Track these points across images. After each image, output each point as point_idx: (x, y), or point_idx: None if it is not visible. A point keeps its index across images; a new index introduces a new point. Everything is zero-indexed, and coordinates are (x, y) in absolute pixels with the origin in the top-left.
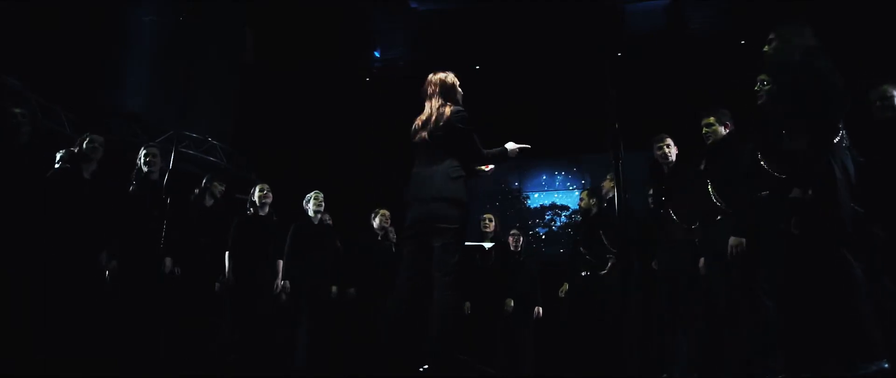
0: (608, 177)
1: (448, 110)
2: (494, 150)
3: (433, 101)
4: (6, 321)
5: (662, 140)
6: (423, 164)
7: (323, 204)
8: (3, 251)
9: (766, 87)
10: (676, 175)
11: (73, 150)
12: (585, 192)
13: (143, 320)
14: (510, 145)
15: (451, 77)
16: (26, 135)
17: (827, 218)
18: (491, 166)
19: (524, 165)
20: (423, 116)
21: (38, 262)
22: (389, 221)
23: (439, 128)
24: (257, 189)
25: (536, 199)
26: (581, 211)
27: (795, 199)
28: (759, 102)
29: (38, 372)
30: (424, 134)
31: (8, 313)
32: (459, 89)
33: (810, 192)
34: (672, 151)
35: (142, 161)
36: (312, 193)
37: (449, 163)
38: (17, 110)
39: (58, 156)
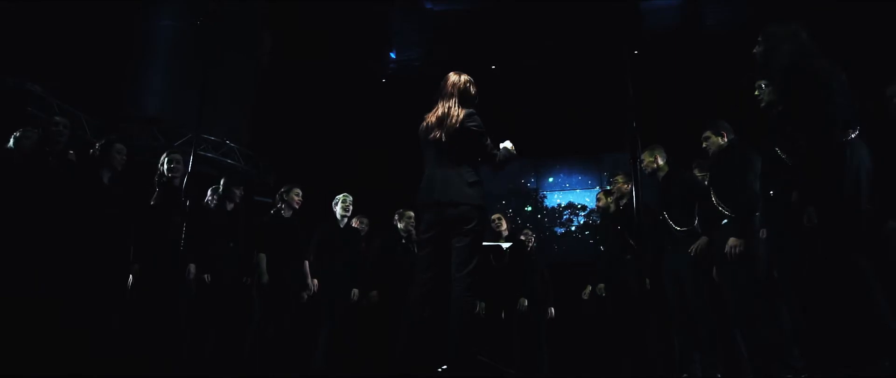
0: (620, 176)
1: (462, 113)
2: (501, 152)
3: (448, 101)
4: (25, 324)
5: (641, 158)
6: (437, 166)
7: (351, 207)
8: (24, 254)
9: (767, 92)
10: (669, 181)
11: (93, 154)
12: (602, 192)
13: (165, 323)
14: (506, 144)
15: (466, 78)
16: (62, 145)
17: (836, 220)
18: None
19: (541, 164)
20: (436, 115)
21: (57, 266)
22: (414, 223)
23: (454, 130)
24: (293, 192)
25: (553, 199)
26: (600, 211)
27: (807, 200)
28: (762, 106)
29: (55, 372)
30: (438, 134)
31: (26, 317)
32: (474, 91)
33: (813, 194)
34: (651, 164)
35: (165, 167)
36: (340, 196)
37: (465, 167)
38: (58, 119)
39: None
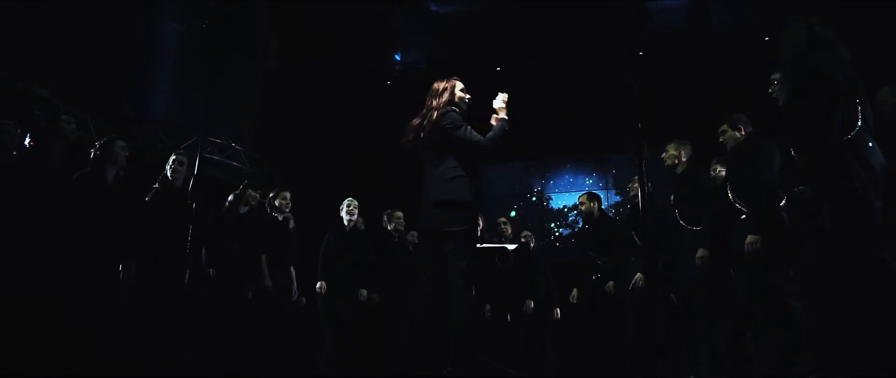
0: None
1: (436, 113)
2: (492, 132)
3: (428, 102)
4: (27, 324)
5: (666, 149)
6: (427, 167)
7: (355, 211)
8: (27, 252)
9: (779, 88)
10: (685, 179)
11: (95, 152)
12: (585, 196)
13: (165, 324)
14: (496, 118)
15: (446, 82)
16: (67, 142)
17: (856, 217)
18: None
19: (548, 166)
20: (415, 121)
21: (61, 265)
22: (403, 224)
23: (430, 131)
24: (281, 196)
25: (559, 200)
26: (583, 215)
27: (819, 198)
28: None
29: (55, 372)
30: (421, 136)
31: (29, 317)
32: (460, 92)
33: (828, 191)
34: (674, 158)
35: (169, 167)
36: (346, 199)
37: (445, 165)
38: (64, 117)
39: None
